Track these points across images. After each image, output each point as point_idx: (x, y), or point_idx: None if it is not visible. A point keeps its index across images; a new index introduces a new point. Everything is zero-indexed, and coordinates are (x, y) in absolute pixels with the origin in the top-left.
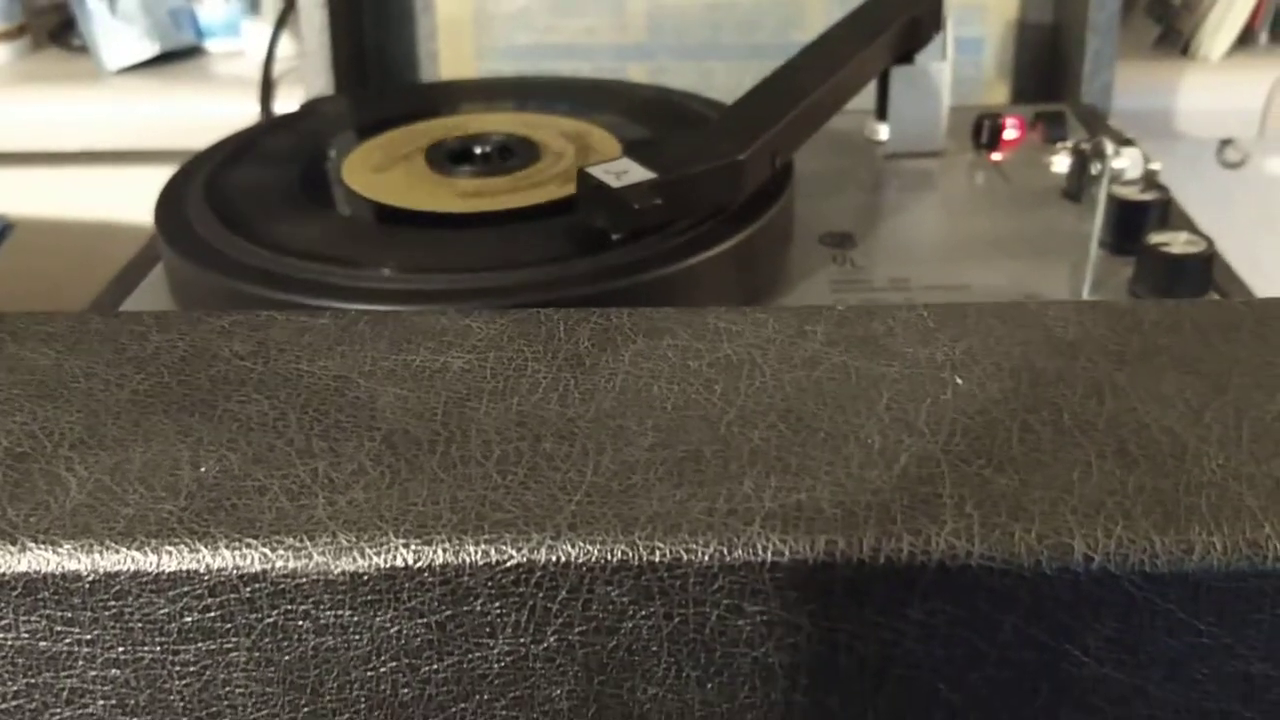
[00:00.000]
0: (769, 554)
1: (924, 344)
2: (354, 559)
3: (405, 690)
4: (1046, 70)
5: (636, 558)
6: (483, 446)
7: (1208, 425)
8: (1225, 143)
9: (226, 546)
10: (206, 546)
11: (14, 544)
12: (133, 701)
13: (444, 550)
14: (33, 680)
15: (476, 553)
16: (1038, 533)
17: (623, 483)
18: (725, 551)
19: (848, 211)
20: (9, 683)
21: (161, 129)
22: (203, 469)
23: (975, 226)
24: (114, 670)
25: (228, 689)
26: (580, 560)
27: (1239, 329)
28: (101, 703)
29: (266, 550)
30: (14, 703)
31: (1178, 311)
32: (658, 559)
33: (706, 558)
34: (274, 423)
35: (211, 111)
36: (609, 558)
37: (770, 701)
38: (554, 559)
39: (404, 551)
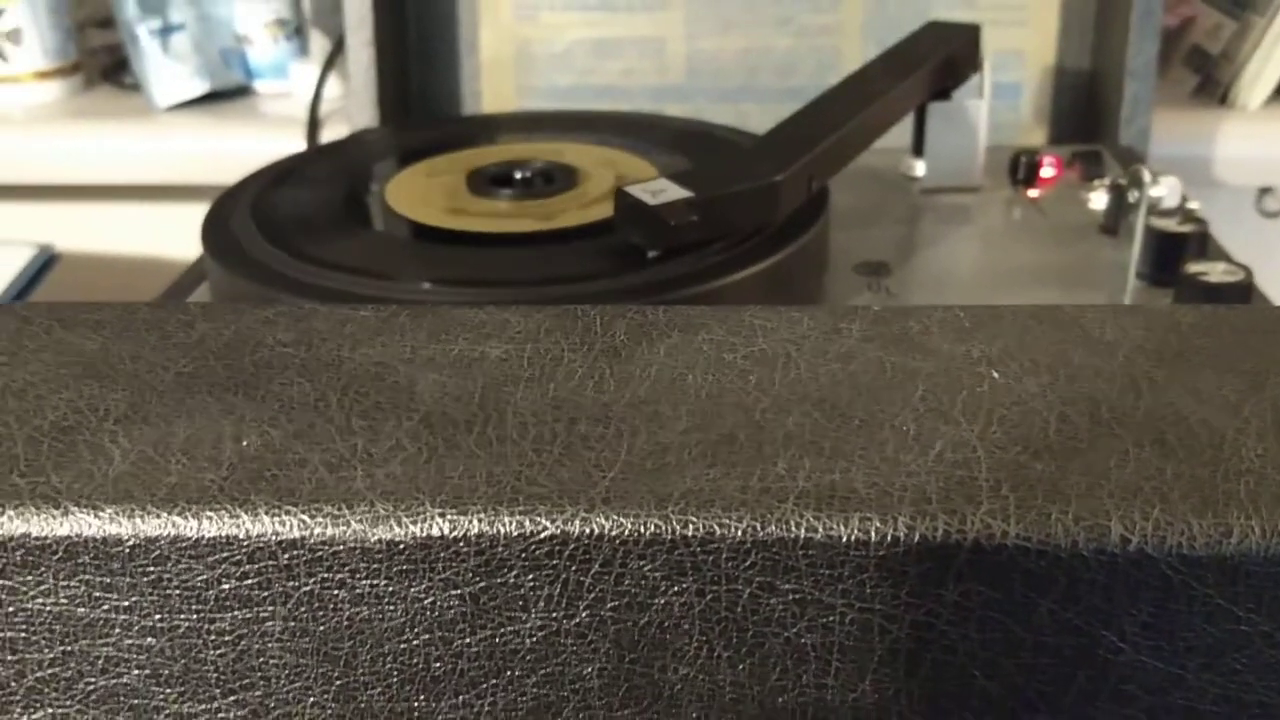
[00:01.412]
0: (802, 531)
1: (960, 341)
2: (391, 528)
3: (437, 664)
4: (1084, 116)
5: (670, 531)
6: (519, 427)
7: (1246, 419)
8: (1264, 191)
9: (266, 513)
10: (247, 513)
11: (56, 508)
12: (167, 671)
13: (479, 521)
14: (69, 648)
15: (511, 524)
16: (1074, 514)
17: (657, 462)
18: (758, 527)
19: (883, 243)
20: (45, 650)
21: (209, 165)
22: (245, 443)
23: (1011, 258)
24: (150, 639)
25: (262, 660)
26: (614, 533)
27: (1277, 333)
28: (136, 672)
29: (305, 517)
30: (49, 670)
31: (1215, 315)
32: (690, 533)
33: (739, 533)
34: (315, 403)
35: (258, 149)
36: (642, 531)
37: (801, 685)
38: (588, 531)
39: (440, 521)
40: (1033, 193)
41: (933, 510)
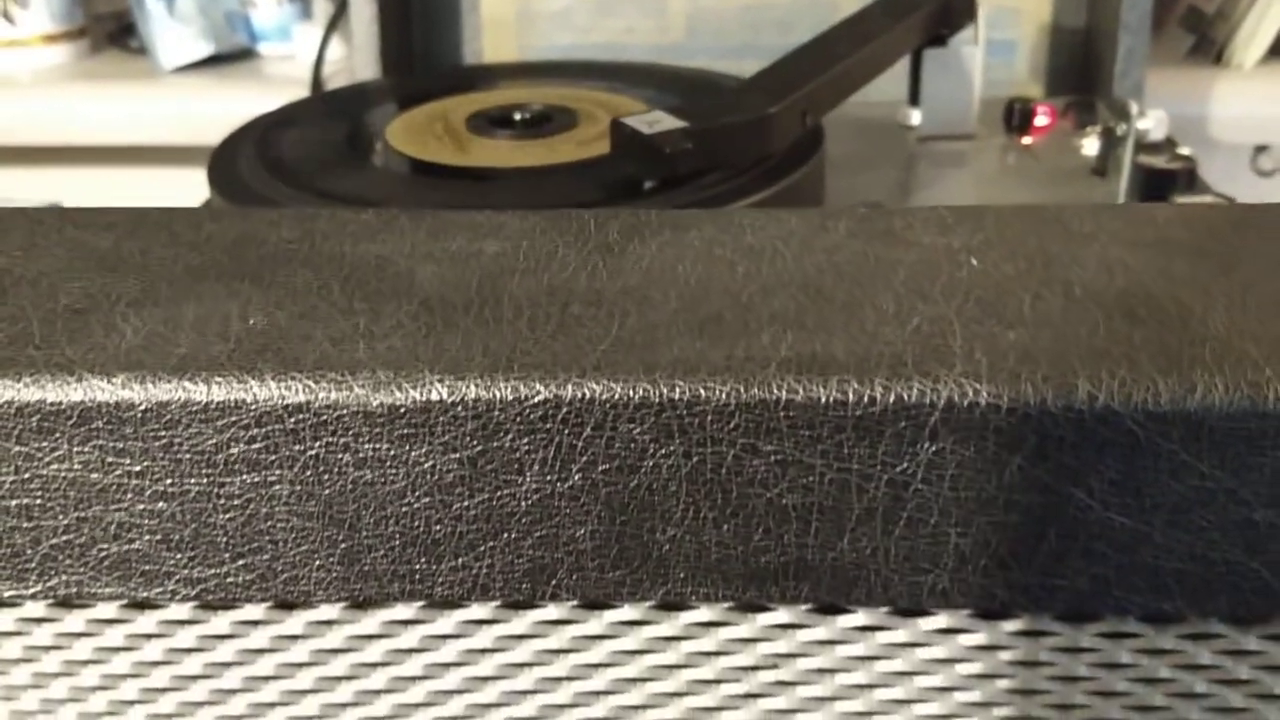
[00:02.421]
0: (784, 393)
1: (942, 235)
2: (391, 393)
3: (438, 527)
4: (1079, 72)
5: (657, 395)
6: (514, 310)
7: (1214, 297)
8: (1259, 150)
9: (273, 379)
10: (254, 379)
11: (71, 374)
12: (178, 536)
13: (476, 386)
14: (82, 514)
15: (506, 389)
16: (1043, 374)
17: (646, 337)
18: (741, 390)
19: (880, 187)
20: (59, 516)
21: (214, 127)
22: (251, 321)
23: (1004, 200)
24: (161, 504)
25: (270, 523)
26: (604, 398)
27: (1251, 227)
28: (148, 537)
29: (310, 383)
30: (63, 538)
31: (1191, 211)
32: (677, 396)
33: (724, 396)
34: (318, 290)
35: (263, 109)
36: (631, 395)
37: (783, 544)
38: (579, 396)
39: (439, 386)
40: (1026, 140)
41: (908, 372)
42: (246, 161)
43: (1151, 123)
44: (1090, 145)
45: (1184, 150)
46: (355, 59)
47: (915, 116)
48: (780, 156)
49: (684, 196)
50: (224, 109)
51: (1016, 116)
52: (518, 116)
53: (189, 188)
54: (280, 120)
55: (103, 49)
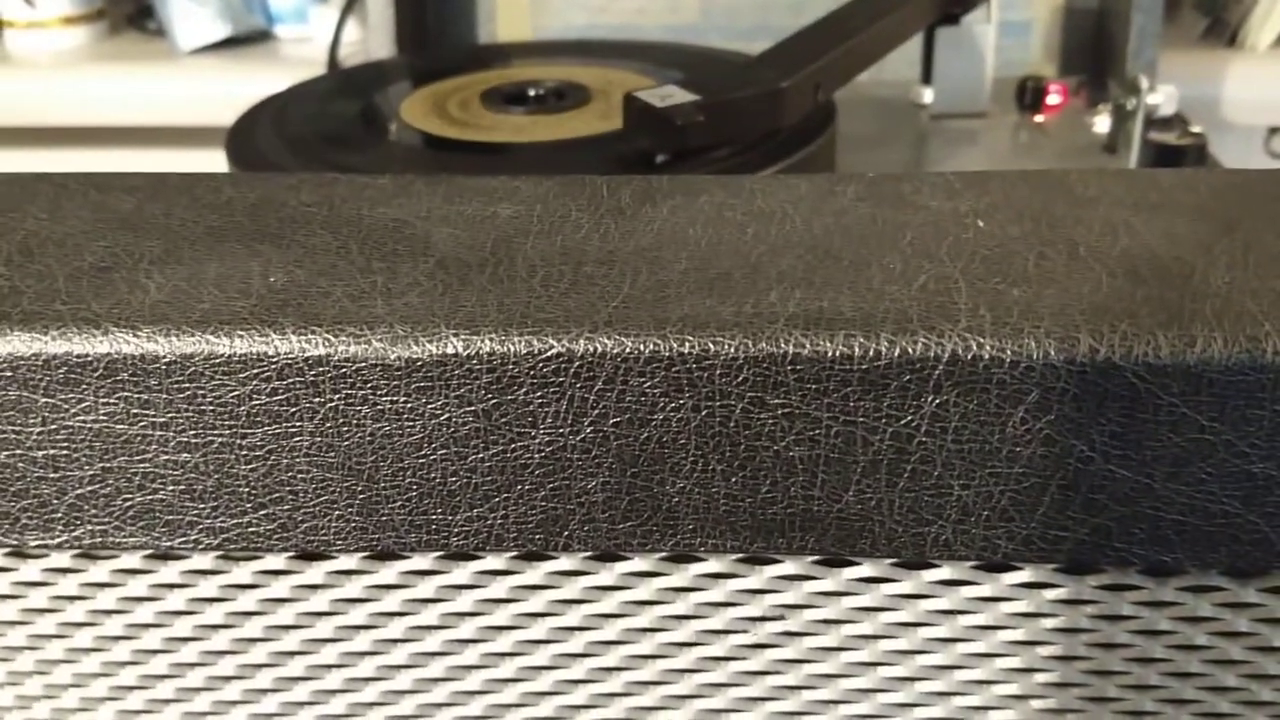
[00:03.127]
0: (791, 347)
1: (949, 199)
2: (409, 346)
3: (453, 479)
4: (1092, 54)
5: (668, 349)
6: (528, 269)
7: (1215, 255)
8: (1273, 132)
9: (294, 333)
10: (275, 332)
11: (97, 328)
12: (200, 487)
13: (490, 340)
14: (107, 464)
15: (520, 343)
16: (1046, 329)
17: (657, 295)
18: (750, 344)
19: (892, 164)
20: (85, 467)
21: (231, 108)
22: (272, 279)
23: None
24: (185, 455)
25: (290, 474)
26: (615, 352)
27: (1253, 190)
28: (171, 488)
29: (330, 336)
30: (88, 488)
31: (1194, 175)
32: (687, 350)
33: (733, 350)
34: (337, 250)
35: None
36: (642, 349)
37: (789, 496)
38: (591, 350)
39: (454, 340)
40: (1039, 118)
41: (913, 328)
42: (265, 136)
43: (1161, 98)
44: (1102, 123)
45: (1194, 127)
46: (371, 40)
47: (928, 95)
48: (792, 131)
49: (695, 171)
50: (241, 90)
51: (1029, 95)
52: (532, 93)
53: (206, 168)
54: (297, 96)
55: (121, 31)
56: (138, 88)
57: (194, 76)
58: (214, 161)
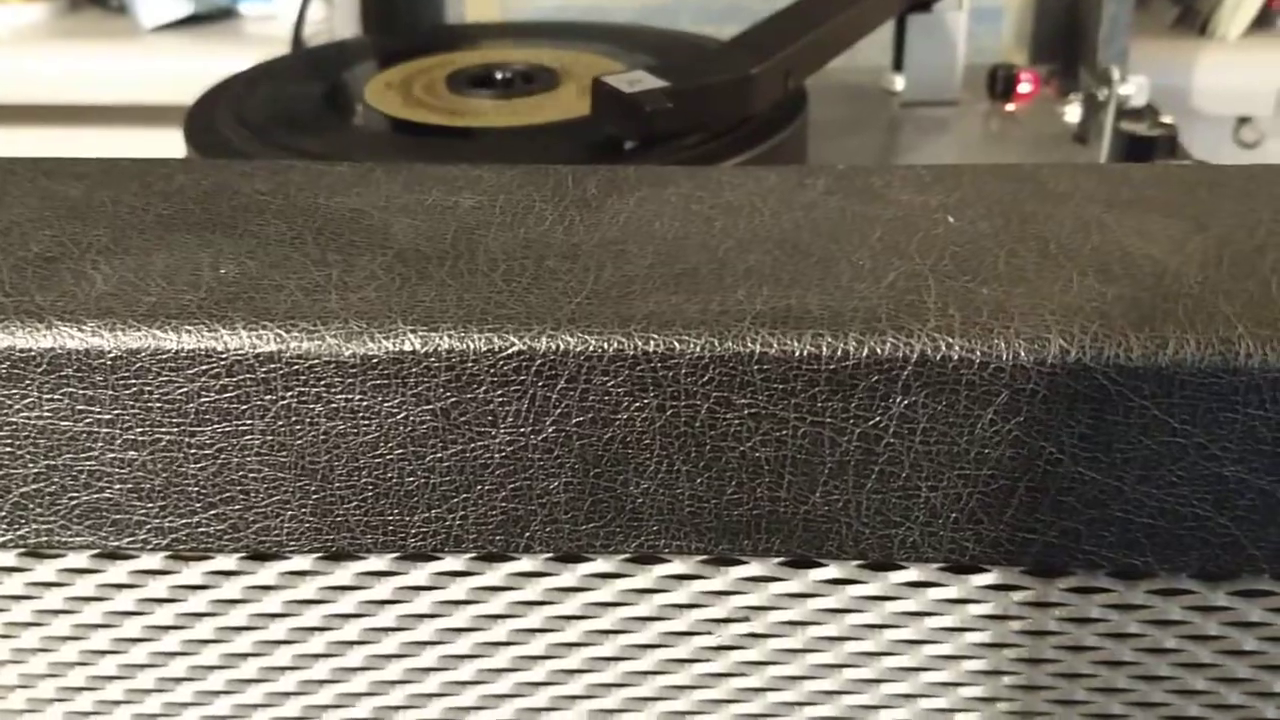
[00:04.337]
0: (758, 346)
1: (919, 193)
2: (364, 343)
3: (410, 479)
4: (1064, 40)
5: (632, 348)
6: (489, 262)
7: (1188, 254)
8: (1242, 121)
9: (244, 328)
10: (225, 327)
11: (41, 321)
12: (148, 485)
13: (449, 337)
14: (52, 462)
15: (480, 340)
16: (1016, 329)
17: (622, 290)
18: (716, 343)
19: (864, 152)
20: (29, 464)
21: (194, 86)
22: (222, 270)
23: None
24: (132, 452)
25: (241, 473)
26: (578, 350)
27: (1225, 186)
28: (118, 486)
29: (282, 332)
30: (33, 486)
31: (1165, 170)
32: (652, 349)
33: (698, 349)
34: (291, 240)
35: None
36: (606, 348)
37: (755, 497)
38: (554, 348)
39: (411, 337)
40: (1010, 107)
41: (882, 327)
42: (224, 119)
43: (1133, 89)
44: (1072, 112)
45: (1165, 118)
46: (336, 19)
47: (899, 82)
48: (763, 119)
49: (664, 158)
50: (204, 69)
51: (1000, 83)
52: (499, 76)
53: (167, 147)
54: (258, 77)
55: (82, 7)
56: (99, 65)
57: (156, 54)
58: (175, 141)
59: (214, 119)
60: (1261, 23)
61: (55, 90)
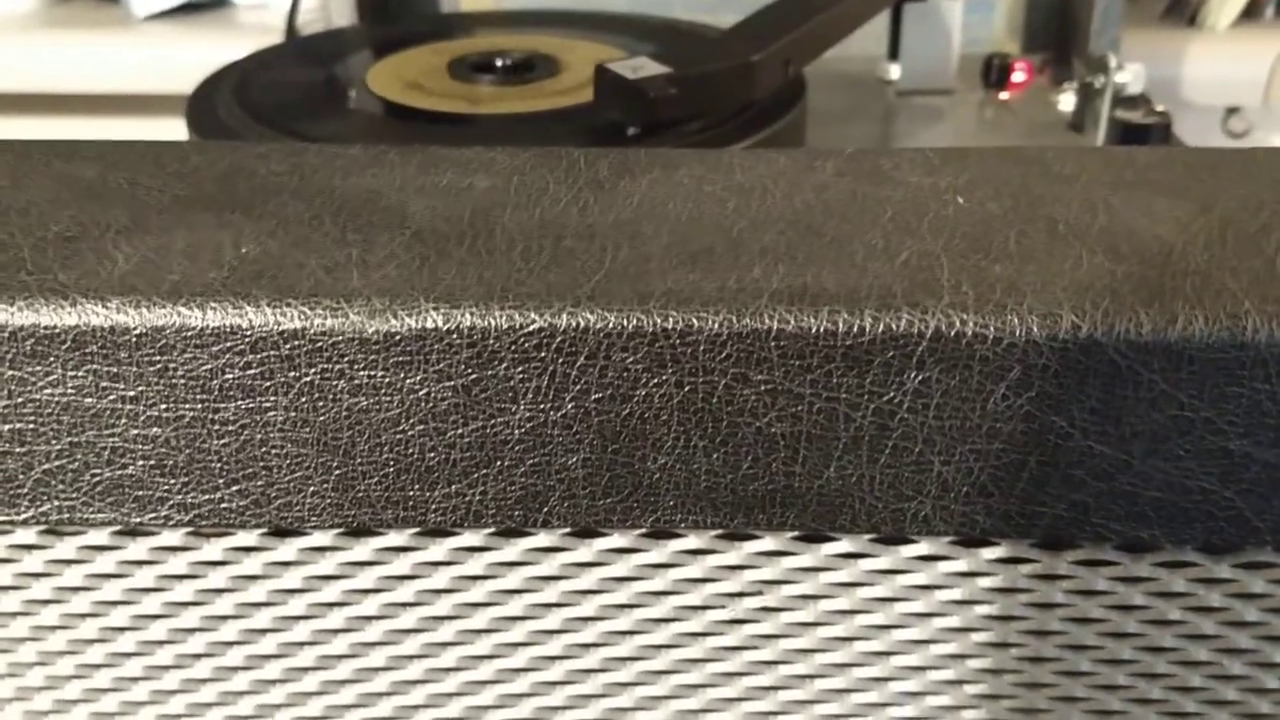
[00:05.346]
0: (775, 323)
1: (928, 175)
2: (387, 320)
3: (431, 454)
4: (1056, 29)
5: (651, 324)
6: (507, 242)
7: (1194, 233)
8: (1231, 112)
9: (268, 305)
10: (249, 304)
11: (65, 299)
12: (171, 462)
13: (471, 314)
14: (76, 439)
15: (501, 317)
16: (1029, 305)
17: (639, 269)
18: (734, 320)
19: (859, 141)
20: (52, 441)
21: (186, 75)
22: (244, 249)
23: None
24: (155, 429)
25: (264, 449)
26: (598, 326)
27: (1227, 169)
28: (141, 463)
29: (305, 309)
30: (55, 463)
31: (1170, 153)
32: (670, 326)
33: (716, 326)
34: (310, 220)
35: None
36: (625, 325)
37: (770, 472)
38: (574, 325)
39: (434, 314)
40: (1004, 95)
41: (897, 303)
42: (225, 105)
43: (1129, 76)
44: (1066, 101)
45: (1159, 106)
46: (331, 7)
47: (894, 71)
48: (763, 105)
49: (666, 144)
50: (197, 57)
51: (994, 72)
52: (500, 63)
53: (164, 137)
54: (259, 64)
55: None
56: (91, 54)
57: (149, 43)
58: (170, 129)
59: (218, 104)
60: (1250, 14)
61: (47, 80)
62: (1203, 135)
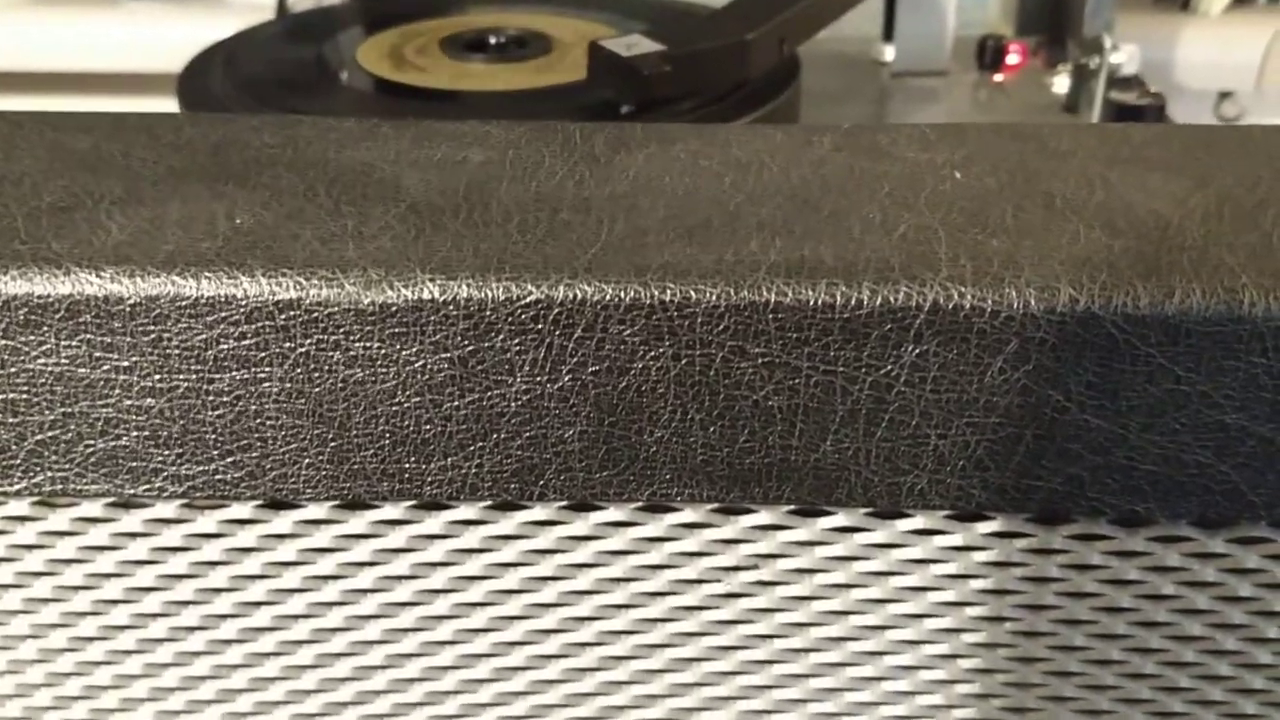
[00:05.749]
0: (773, 295)
1: (925, 150)
2: (383, 290)
3: (427, 427)
4: (1049, 14)
5: (648, 297)
6: (503, 214)
7: (1190, 209)
8: (1223, 96)
9: (263, 275)
10: (244, 274)
11: (58, 268)
12: (165, 433)
13: (467, 285)
14: (69, 409)
15: (498, 289)
16: (1027, 278)
17: (636, 242)
18: (731, 292)
19: (854, 120)
20: (46, 412)
21: (176, 55)
22: (238, 220)
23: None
24: (149, 400)
25: (259, 421)
26: (595, 299)
27: (1222, 146)
28: (135, 434)
29: (301, 279)
30: (49, 434)
31: (1165, 131)
32: (668, 298)
33: (714, 298)
34: (304, 192)
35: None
36: (622, 297)
37: (767, 446)
38: (571, 296)
39: (430, 285)
40: (998, 77)
41: (895, 276)
42: (217, 81)
43: (1124, 57)
44: (1060, 83)
45: (1152, 88)
46: None
47: (889, 52)
48: (758, 84)
49: (660, 122)
50: (186, 36)
51: (989, 54)
52: (493, 41)
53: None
54: (250, 40)
55: None
56: (81, 33)
57: (137, 21)
58: (161, 108)
59: (208, 82)
60: None
61: (34, 58)
62: (1195, 119)
